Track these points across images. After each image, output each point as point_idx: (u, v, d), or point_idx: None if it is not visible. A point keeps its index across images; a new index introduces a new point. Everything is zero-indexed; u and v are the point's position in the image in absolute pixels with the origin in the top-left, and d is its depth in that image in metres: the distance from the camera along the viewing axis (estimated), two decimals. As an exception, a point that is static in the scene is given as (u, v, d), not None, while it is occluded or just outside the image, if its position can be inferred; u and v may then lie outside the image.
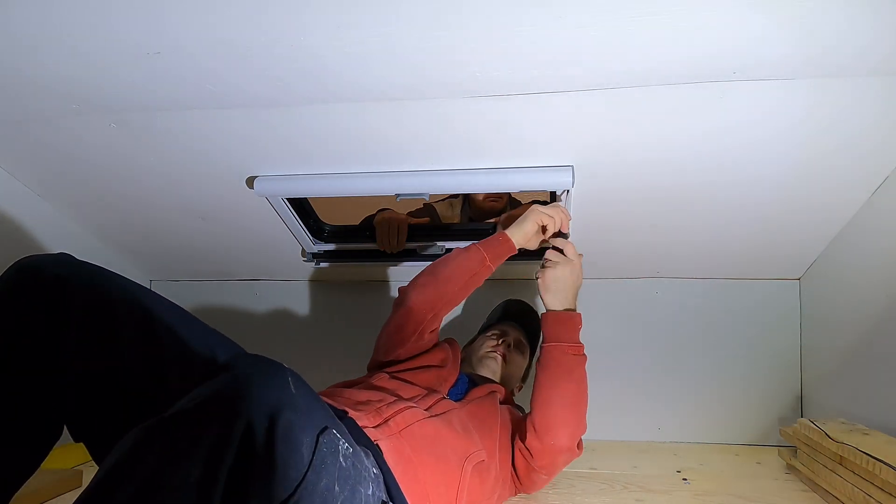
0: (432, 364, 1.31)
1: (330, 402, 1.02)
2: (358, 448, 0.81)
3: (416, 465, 0.99)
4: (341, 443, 0.73)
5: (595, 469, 1.50)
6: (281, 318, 2.00)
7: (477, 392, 1.28)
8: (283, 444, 0.63)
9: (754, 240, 1.57)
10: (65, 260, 0.85)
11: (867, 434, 1.24)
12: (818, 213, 1.43)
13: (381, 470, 0.90)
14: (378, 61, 1.01)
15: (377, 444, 0.96)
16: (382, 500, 0.84)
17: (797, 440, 1.41)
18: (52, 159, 1.42)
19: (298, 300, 1.99)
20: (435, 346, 1.38)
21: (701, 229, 1.53)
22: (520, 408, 1.39)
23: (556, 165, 1.31)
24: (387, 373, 1.27)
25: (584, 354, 1.25)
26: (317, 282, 1.97)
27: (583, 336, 1.26)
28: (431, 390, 1.21)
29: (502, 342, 1.47)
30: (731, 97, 1.09)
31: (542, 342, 1.27)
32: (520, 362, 1.49)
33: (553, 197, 1.42)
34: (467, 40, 0.95)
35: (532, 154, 1.30)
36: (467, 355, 1.49)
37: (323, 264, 1.78)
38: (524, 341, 1.53)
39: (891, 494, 1.05)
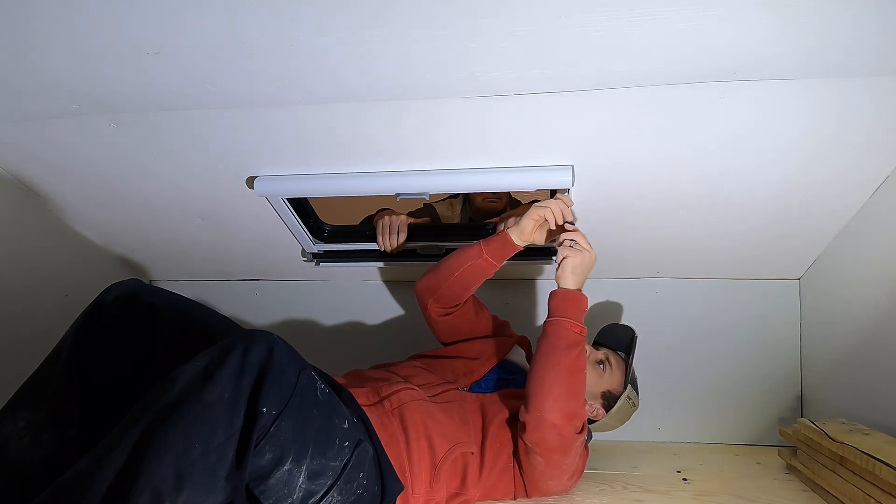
0: (464, 356, 1.43)
1: (339, 380, 1.26)
2: (334, 393, 1.04)
3: (399, 441, 1.15)
4: (318, 382, 1.00)
5: (595, 469, 1.50)
6: (281, 318, 2.00)
7: (496, 396, 1.34)
8: (279, 371, 0.92)
9: (754, 240, 1.56)
10: (152, 287, 1.11)
11: (867, 434, 1.24)
12: (818, 213, 1.43)
13: (368, 433, 1.10)
14: (378, 61, 1.01)
15: (368, 418, 1.13)
16: (359, 440, 1.04)
17: (797, 440, 1.41)
18: (52, 159, 1.42)
19: (298, 300, 1.98)
20: (484, 337, 1.49)
21: (701, 229, 1.53)
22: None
23: (556, 165, 1.31)
24: (416, 357, 1.45)
25: (584, 336, 1.24)
26: (317, 282, 1.97)
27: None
28: (446, 381, 1.35)
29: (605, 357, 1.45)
30: (731, 97, 1.09)
31: (547, 317, 1.27)
32: (596, 375, 1.42)
33: (553, 195, 1.42)
34: (467, 40, 0.95)
35: (532, 154, 1.30)
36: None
37: (323, 264, 1.78)
38: (612, 364, 1.46)
39: (891, 494, 1.05)
